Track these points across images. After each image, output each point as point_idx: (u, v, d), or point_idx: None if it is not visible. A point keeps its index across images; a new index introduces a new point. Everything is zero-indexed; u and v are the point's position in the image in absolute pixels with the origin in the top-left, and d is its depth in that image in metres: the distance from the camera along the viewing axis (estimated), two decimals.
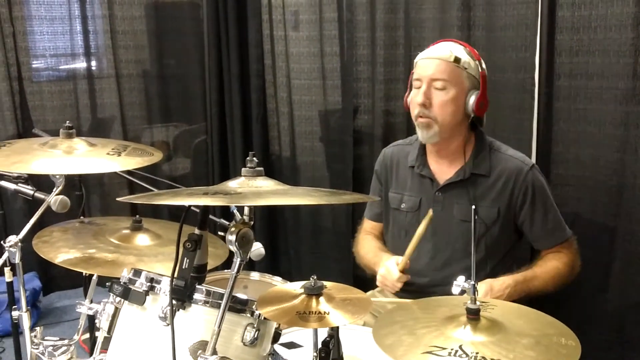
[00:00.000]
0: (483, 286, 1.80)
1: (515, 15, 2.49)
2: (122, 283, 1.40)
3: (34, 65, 3.54)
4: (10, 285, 2.60)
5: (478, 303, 1.30)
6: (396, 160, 2.12)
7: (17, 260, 1.81)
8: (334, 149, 3.28)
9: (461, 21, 2.65)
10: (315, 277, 1.30)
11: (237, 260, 1.19)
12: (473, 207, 1.35)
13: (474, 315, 1.30)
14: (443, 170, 2.00)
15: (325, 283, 1.32)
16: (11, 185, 1.97)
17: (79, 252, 1.79)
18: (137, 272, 1.41)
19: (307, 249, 3.46)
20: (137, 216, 1.95)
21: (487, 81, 1.96)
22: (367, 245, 2.14)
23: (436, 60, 1.91)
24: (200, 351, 1.28)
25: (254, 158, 1.29)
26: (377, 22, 2.94)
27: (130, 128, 3.76)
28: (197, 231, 1.27)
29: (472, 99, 1.91)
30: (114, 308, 1.45)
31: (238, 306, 1.34)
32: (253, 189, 1.22)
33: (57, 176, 1.81)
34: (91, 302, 1.62)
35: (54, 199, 1.90)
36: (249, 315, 1.35)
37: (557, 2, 2.35)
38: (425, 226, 1.83)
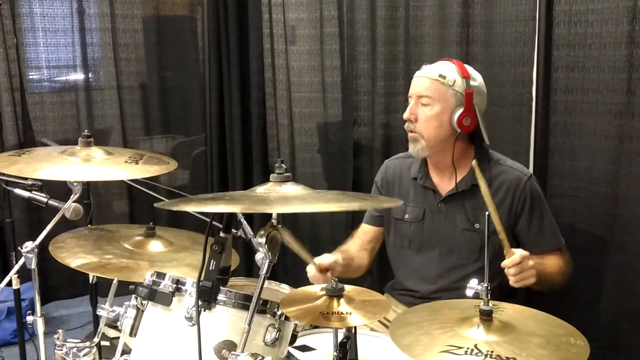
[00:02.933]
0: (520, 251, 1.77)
1: (514, 32, 2.58)
2: (146, 285, 1.44)
3: (35, 77, 3.58)
4: (17, 292, 2.65)
5: (491, 305, 1.36)
6: (398, 173, 2.19)
7: (33, 265, 1.84)
8: (333, 161, 3.35)
9: (460, 37, 2.74)
10: (336, 280, 1.36)
11: (266, 262, 1.25)
12: (487, 213, 1.41)
13: (487, 316, 1.36)
14: (444, 182, 2.08)
15: (345, 286, 1.38)
16: (25, 193, 2.01)
17: (96, 257, 1.83)
18: (161, 275, 1.46)
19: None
20: (151, 223, 1.99)
21: (472, 98, 2.00)
22: (344, 246, 2.20)
23: (423, 79, 2.02)
24: (224, 350, 1.33)
25: (282, 164, 1.34)
26: (377, 38, 3.03)
27: (130, 139, 3.81)
28: (222, 234, 1.32)
29: (456, 116, 1.98)
30: (136, 310, 1.50)
31: (260, 307, 1.38)
32: (281, 195, 1.27)
33: (75, 183, 1.85)
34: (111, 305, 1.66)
35: (69, 207, 1.94)
36: (270, 315, 1.40)
37: (554, 20, 2.45)
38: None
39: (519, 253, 1.75)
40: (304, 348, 1.72)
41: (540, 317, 1.45)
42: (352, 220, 3.19)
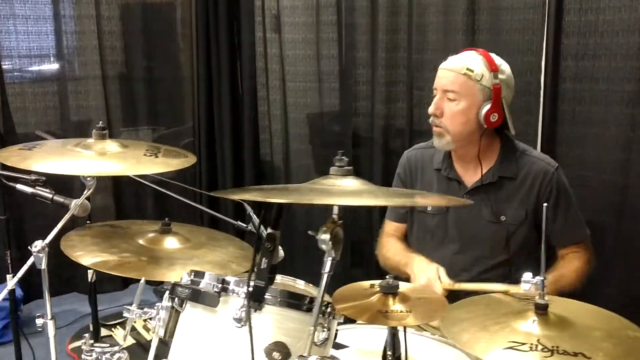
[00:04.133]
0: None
1: (522, 19, 2.56)
2: (186, 285, 1.36)
3: (15, 66, 3.41)
4: (12, 293, 2.52)
5: (546, 298, 1.32)
6: (420, 163, 2.14)
7: (43, 265, 1.73)
8: (332, 152, 3.26)
9: (466, 25, 2.71)
10: (392, 276, 1.30)
11: (329, 260, 1.18)
12: (545, 205, 1.36)
13: (543, 310, 1.32)
14: (469, 174, 2.04)
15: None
16: (28, 189, 1.89)
17: (113, 255, 1.74)
18: (199, 274, 1.38)
19: (301, 252, 3.45)
20: (167, 219, 1.90)
21: (500, 93, 1.95)
22: (393, 247, 2.15)
23: (450, 72, 1.96)
24: (275, 352, 1.26)
25: (344, 157, 1.28)
26: (378, 25, 2.97)
27: (114, 131, 3.67)
28: (270, 231, 1.25)
29: (483, 111, 1.93)
30: (170, 312, 1.41)
31: (307, 305, 1.32)
32: (344, 189, 1.21)
33: (89, 178, 1.74)
34: (139, 307, 1.57)
35: (80, 203, 1.83)
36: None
37: (564, 7, 2.43)
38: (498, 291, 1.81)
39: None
40: (337, 345, 1.66)
41: (591, 310, 1.42)
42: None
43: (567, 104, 2.51)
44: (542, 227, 1.30)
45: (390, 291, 1.29)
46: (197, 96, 3.73)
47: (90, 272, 2.30)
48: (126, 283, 3.74)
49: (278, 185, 1.32)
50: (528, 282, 1.34)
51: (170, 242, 1.89)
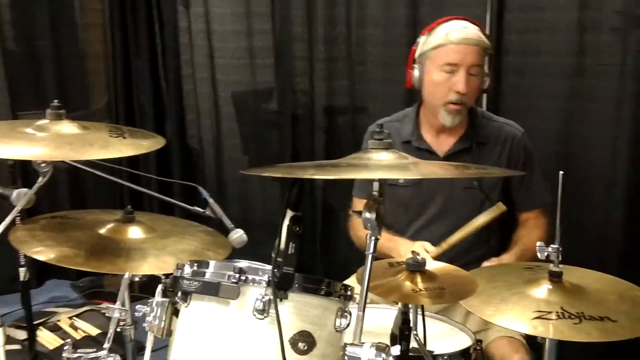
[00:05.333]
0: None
1: None
2: (191, 278, 1.23)
3: None
4: None
5: (561, 266, 1.33)
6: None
7: None
8: (268, 131, 3.17)
9: None
10: (417, 253, 1.25)
11: (372, 239, 1.10)
12: (561, 173, 1.36)
13: (557, 278, 1.33)
14: (440, 143, 2.04)
15: None
16: None
17: (77, 249, 1.55)
18: (203, 263, 1.25)
19: None
20: (130, 207, 1.73)
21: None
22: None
23: (475, 48, 1.94)
24: (300, 342, 1.17)
25: (383, 129, 1.19)
26: None
27: (20, 114, 3.32)
28: (293, 213, 1.15)
29: (487, 80, 2.01)
30: (167, 308, 1.28)
31: (326, 289, 1.24)
32: (389, 162, 1.13)
33: (43, 165, 1.54)
34: (123, 305, 1.41)
35: (19, 193, 1.63)
36: (337, 298, 1.25)
37: None
38: (491, 218, 1.83)
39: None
40: None
41: (594, 275, 1.45)
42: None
43: (510, 77, 2.57)
44: (558, 195, 1.30)
45: (418, 269, 1.23)
46: (113, 75, 3.47)
47: (22, 270, 2.07)
48: (40, 280, 3.43)
49: (307, 162, 1.20)
50: (543, 249, 1.34)
51: (135, 232, 1.72)
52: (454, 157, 2.02)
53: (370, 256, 1.09)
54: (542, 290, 1.32)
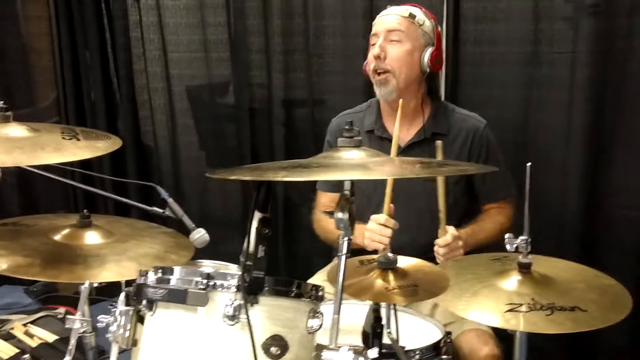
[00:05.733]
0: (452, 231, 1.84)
1: None
2: (156, 285, 1.18)
3: None
4: None
5: (530, 257, 1.33)
6: None
7: None
8: (226, 126, 3.11)
9: None
10: (390, 250, 1.23)
11: (345, 240, 1.07)
12: (529, 164, 1.36)
13: (527, 269, 1.33)
14: (402, 132, 2.02)
15: None
16: None
17: (32, 258, 1.48)
18: (168, 270, 1.20)
19: None
20: (86, 211, 1.66)
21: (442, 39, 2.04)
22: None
23: (392, 16, 1.99)
24: (273, 347, 1.14)
25: (353, 126, 1.16)
26: None
27: None
28: (261, 214, 1.12)
29: (427, 54, 1.98)
30: (131, 317, 1.23)
31: (296, 291, 1.20)
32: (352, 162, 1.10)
33: None
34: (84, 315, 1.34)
35: None
36: (308, 299, 1.22)
37: None
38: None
39: (450, 233, 1.81)
40: None
41: (561, 264, 1.47)
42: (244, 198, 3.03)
43: (468, 67, 2.58)
44: (526, 187, 1.30)
45: (390, 267, 1.22)
46: (61, 70, 3.34)
47: None
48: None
49: (276, 163, 1.16)
50: (512, 242, 1.34)
51: (92, 237, 1.66)
52: (413, 147, 2.02)
53: (343, 257, 1.06)
54: (512, 281, 1.33)
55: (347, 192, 1.09)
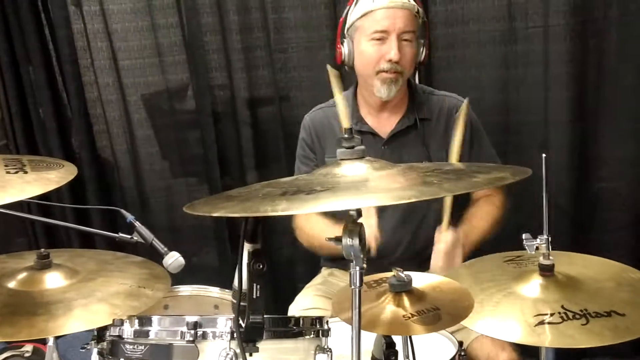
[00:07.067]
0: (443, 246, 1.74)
1: None
2: (135, 341, 1.00)
3: None
4: None
5: (552, 258, 1.20)
6: (327, 123, 1.99)
7: None
8: (188, 132, 2.91)
9: None
10: (399, 269, 1.07)
11: (357, 269, 0.90)
12: (544, 156, 1.22)
13: (549, 271, 1.20)
14: (382, 124, 1.93)
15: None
16: None
17: None
18: (145, 320, 1.03)
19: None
20: (43, 250, 1.47)
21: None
22: (317, 224, 1.91)
23: (404, 11, 1.83)
24: None
25: (352, 134, 0.99)
26: None
27: None
28: (250, 245, 0.95)
29: (423, 49, 1.91)
30: None
31: (297, 328, 1.05)
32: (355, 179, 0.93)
33: None
34: None
35: None
36: (314, 336, 1.06)
37: None
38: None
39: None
40: None
41: (581, 258, 1.34)
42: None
43: (440, 50, 2.45)
44: (543, 182, 1.16)
45: (404, 289, 1.06)
46: (3, 88, 3.09)
47: None
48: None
49: (268, 189, 0.95)
50: (531, 243, 1.20)
51: (53, 279, 1.47)
52: (396, 137, 1.92)
53: (357, 290, 0.90)
54: (534, 287, 1.19)
55: (353, 213, 0.92)
